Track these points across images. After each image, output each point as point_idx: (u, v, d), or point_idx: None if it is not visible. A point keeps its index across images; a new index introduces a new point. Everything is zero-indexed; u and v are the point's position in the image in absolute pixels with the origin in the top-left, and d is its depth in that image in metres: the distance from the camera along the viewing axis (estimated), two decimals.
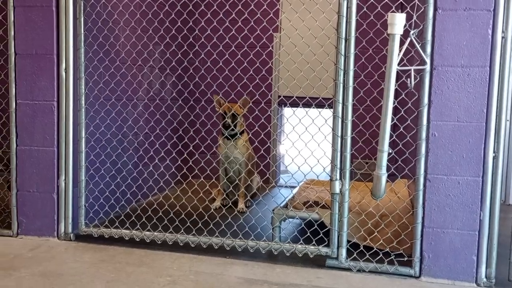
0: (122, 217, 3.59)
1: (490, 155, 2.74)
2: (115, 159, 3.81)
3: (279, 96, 5.26)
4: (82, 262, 3.10)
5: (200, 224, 3.41)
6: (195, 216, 3.48)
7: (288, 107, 5.43)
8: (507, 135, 3.29)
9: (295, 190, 4.00)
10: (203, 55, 3.66)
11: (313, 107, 3.33)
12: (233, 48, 3.56)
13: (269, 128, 3.65)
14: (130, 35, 3.96)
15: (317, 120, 3.25)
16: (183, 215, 3.50)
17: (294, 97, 3.56)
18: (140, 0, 3.77)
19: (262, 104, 3.99)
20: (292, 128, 3.40)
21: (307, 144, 3.26)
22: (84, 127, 3.45)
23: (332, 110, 3.02)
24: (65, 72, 3.37)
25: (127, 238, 3.37)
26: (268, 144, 3.68)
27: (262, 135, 3.65)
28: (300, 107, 3.46)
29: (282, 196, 3.81)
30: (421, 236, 2.87)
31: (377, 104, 2.97)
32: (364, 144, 3.31)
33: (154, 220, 3.48)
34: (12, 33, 3.40)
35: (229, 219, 3.44)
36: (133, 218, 3.55)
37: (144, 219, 3.53)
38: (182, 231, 3.35)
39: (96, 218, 3.61)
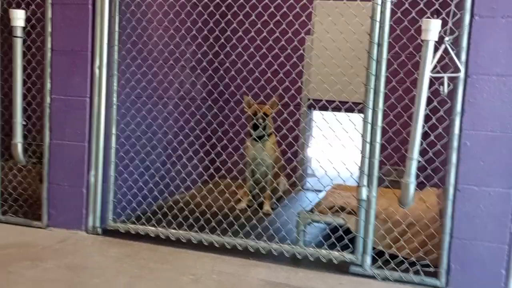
0: (149, 214, 3.63)
1: None
2: (144, 156, 3.85)
3: (309, 99, 5.24)
4: (107, 256, 3.14)
5: (224, 225, 3.42)
6: (220, 216, 3.49)
7: (317, 110, 5.40)
8: None
9: (321, 195, 3.97)
10: (234, 56, 3.67)
11: (343, 111, 3.30)
12: (264, 49, 3.56)
13: (297, 131, 3.62)
14: (162, 34, 4.01)
15: (346, 124, 3.22)
16: (208, 215, 3.51)
17: (324, 101, 3.54)
18: (173, 0, 3.80)
19: (291, 107, 3.98)
20: (321, 132, 3.38)
21: (335, 148, 3.23)
22: (115, 124, 3.50)
23: (361, 115, 2.99)
24: (99, 69, 3.43)
25: (152, 235, 3.41)
26: (296, 147, 3.66)
27: (290, 138, 3.63)
28: (330, 111, 3.44)
29: (308, 200, 3.79)
30: (449, 247, 2.82)
31: (408, 110, 2.92)
32: (393, 151, 3.26)
33: (180, 219, 3.51)
34: (49, 29, 3.48)
35: (254, 221, 3.44)
36: (159, 215, 3.59)
37: (169, 217, 3.56)
38: (206, 230, 3.36)
39: (123, 213, 3.66)
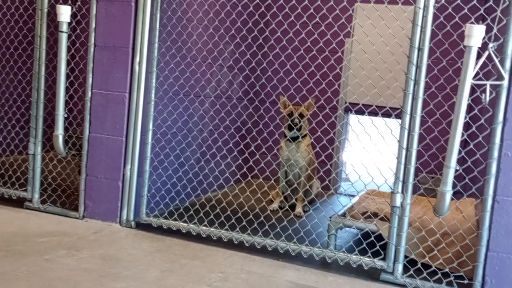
0: (181, 210, 3.67)
1: None
2: (179, 153, 3.90)
3: (346, 103, 5.19)
4: (139, 249, 3.20)
5: (255, 224, 3.43)
6: (251, 216, 3.50)
7: (353, 114, 5.35)
8: None
9: (354, 199, 3.93)
10: (271, 57, 3.67)
11: (379, 116, 3.26)
12: (301, 51, 3.55)
13: (332, 134, 3.60)
14: (202, 33, 4.05)
15: (383, 129, 3.17)
16: (239, 214, 3.53)
17: (360, 105, 3.51)
18: (214, 0, 3.84)
19: (327, 110, 3.96)
20: (356, 136, 3.34)
21: (370, 153, 3.19)
22: (152, 120, 3.56)
23: (399, 120, 2.94)
24: (138, 65, 3.50)
25: (184, 231, 3.44)
26: (330, 150, 3.64)
27: (325, 141, 3.61)
28: (366, 115, 3.40)
29: (341, 204, 3.76)
30: (485, 259, 2.73)
31: (447, 117, 2.86)
32: (430, 158, 3.20)
33: (211, 216, 3.54)
34: (93, 25, 3.57)
35: (285, 222, 3.43)
36: (191, 212, 3.62)
37: (201, 214, 3.59)
38: (237, 229, 3.38)
39: (156, 208, 3.72)
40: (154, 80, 3.54)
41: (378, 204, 3.57)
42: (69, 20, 3.61)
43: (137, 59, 3.49)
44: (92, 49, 3.59)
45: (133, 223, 3.58)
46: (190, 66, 3.99)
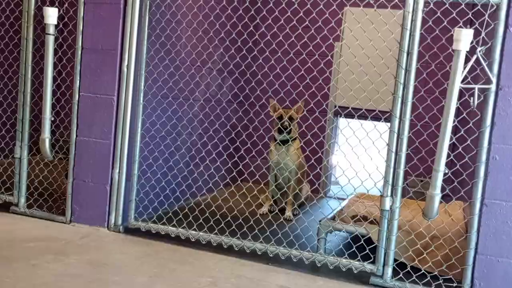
0: (170, 214, 3.64)
1: None
2: (168, 157, 3.88)
3: (335, 106, 5.19)
4: (128, 254, 3.16)
5: (245, 228, 3.41)
6: (241, 220, 3.49)
7: (343, 117, 5.35)
8: None
9: (344, 203, 3.93)
10: (261, 60, 3.67)
11: (369, 120, 3.26)
12: (291, 54, 3.55)
13: (321, 138, 3.60)
14: (191, 36, 4.03)
15: (372, 133, 3.17)
16: (229, 218, 3.51)
17: (350, 108, 3.51)
18: (203, 2, 3.83)
19: (317, 113, 3.96)
20: (346, 140, 3.34)
21: (359, 157, 3.19)
22: (140, 123, 3.53)
23: (388, 124, 2.95)
24: (127, 68, 3.47)
25: (173, 235, 3.42)
26: (320, 154, 3.64)
27: (314, 145, 3.61)
28: (356, 119, 3.40)
29: (330, 207, 3.75)
30: (473, 262, 2.75)
31: (436, 121, 2.87)
32: (419, 162, 3.21)
33: (201, 220, 3.52)
34: (81, 28, 3.54)
35: (275, 226, 3.42)
36: (181, 216, 3.60)
37: (191, 218, 3.57)
38: (227, 233, 3.36)
39: (145, 212, 3.69)
40: (142, 83, 3.51)
41: (368, 208, 3.57)
42: (56, 23, 3.57)
43: (126, 62, 3.47)
44: (79, 52, 3.55)
45: (121, 227, 3.54)
46: (179, 69, 3.97)
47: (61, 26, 3.68)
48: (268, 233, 3.38)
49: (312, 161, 3.64)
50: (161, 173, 3.83)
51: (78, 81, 3.57)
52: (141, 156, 3.59)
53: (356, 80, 3.35)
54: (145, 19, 3.44)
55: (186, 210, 3.67)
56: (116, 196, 3.54)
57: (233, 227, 3.41)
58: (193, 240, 3.37)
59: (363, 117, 3.42)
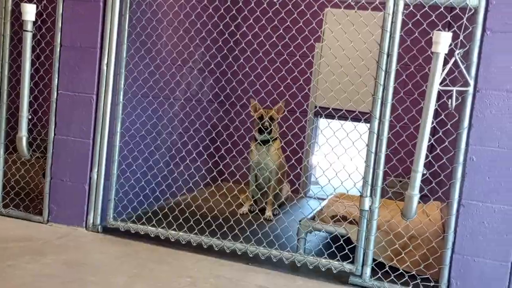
0: (150, 214, 3.62)
1: None
2: (148, 156, 3.85)
3: (315, 107, 5.22)
4: (106, 254, 3.13)
5: (225, 228, 3.40)
6: (221, 220, 3.48)
7: (323, 118, 5.38)
8: None
9: (323, 203, 3.95)
10: (242, 60, 3.66)
11: (349, 121, 3.29)
12: (272, 55, 3.56)
13: (302, 138, 3.61)
14: (172, 35, 4.01)
15: (352, 134, 3.20)
16: (209, 218, 3.50)
17: (330, 109, 3.54)
18: (184, 1, 3.80)
19: (297, 114, 3.97)
20: (326, 140, 3.36)
21: (339, 157, 3.21)
22: (120, 122, 3.50)
23: (368, 125, 2.97)
24: (107, 67, 3.43)
25: (152, 235, 3.39)
26: (300, 154, 3.65)
27: (295, 145, 3.62)
28: (336, 120, 3.42)
29: (310, 207, 3.77)
30: (450, 262, 2.79)
31: (415, 122, 2.90)
32: (398, 162, 3.25)
33: (180, 220, 3.50)
34: (60, 25, 3.48)
35: (255, 226, 3.42)
36: (160, 216, 3.57)
37: (170, 218, 3.54)
38: (207, 233, 3.35)
39: (124, 212, 3.65)
40: (122, 82, 3.48)
41: (347, 208, 3.60)
42: (34, 19, 3.51)
43: (105, 60, 3.43)
44: (58, 49, 3.50)
45: (99, 227, 3.50)
46: (159, 68, 3.95)
47: (39, 23, 3.62)
48: (248, 233, 3.38)
49: (293, 161, 3.65)
50: (141, 172, 3.80)
51: (56, 79, 3.52)
52: (120, 155, 3.55)
53: (337, 81, 3.37)
54: (126, 17, 3.40)
55: (166, 210, 3.65)
56: (95, 196, 3.50)
57: (213, 227, 3.40)
58: (172, 240, 3.35)
59: (343, 117, 3.44)
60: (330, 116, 3.76)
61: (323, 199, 4.20)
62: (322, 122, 5.57)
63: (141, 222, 3.53)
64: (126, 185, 3.65)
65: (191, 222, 3.47)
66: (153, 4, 3.66)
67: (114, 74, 3.45)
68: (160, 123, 4.04)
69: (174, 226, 3.43)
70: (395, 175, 3.93)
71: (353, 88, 3.28)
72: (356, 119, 3.44)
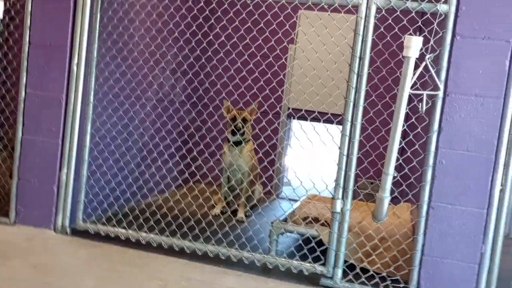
0: (120, 215, 3.56)
1: (497, 187, 2.70)
2: (118, 157, 3.79)
3: (288, 108, 5.23)
4: (75, 257, 3.07)
5: (197, 230, 3.37)
6: (192, 222, 3.45)
7: (296, 120, 5.39)
8: None
9: (295, 205, 3.96)
10: (215, 61, 3.64)
11: (321, 123, 3.30)
12: (245, 56, 3.55)
13: (275, 140, 3.61)
14: (144, 35, 3.96)
15: (324, 136, 3.21)
16: (180, 219, 3.46)
17: (303, 111, 3.55)
18: (157, 1, 3.76)
19: (270, 115, 3.97)
20: (298, 142, 3.37)
21: (312, 159, 3.23)
22: (90, 122, 3.44)
23: (340, 127, 2.99)
24: (77, 66, 3.37)
25: (123, 238, 3.34)
26: (273, 155, 3.65)
27: (268, 146, 3.62)
28: (309, 121, 3.43)
29: (282, 209, 3.77)
30: (420, 263, 2.82)
31: (387, 125, 2.94)
32: (369, 165, 3.28)
33: (152, 222, 3.45)
34: (28, 22, 3.40)
35: (227, 228, 3.40)
36: (131, 218, 3.52)
37: (141, 220, 3.49)
38: (178, 235, 3.32)
39: (93, 214, 3.59)
40: (93, 82, 3.42)
41: (319, 210, 3.61)
42: (1, 17, 3.43)
43: (75, 60, 3.36)
44: (26, 48, 3.42)
45: (68, 229, 3.43)
46: (131, 68, 3.89)
47: (7, 20, 3.53)
48: (220, 235, 3.36)
49: (265, 163, 3.64)
50: (111, 173, 3.73)
51: (24, 78, 3.44)
52: (90, 156, 3.49)
53: (310, 83, 3.38)
54: (97, 16, 3.34)
55: (137, 211, 3.60)
56: (64, 197, 3.43)
57: (185, 228, 3.37)
58: (143, 242, 3.30)
59: (316, 119, 3.45)
60: (303, 118, 3.78)
61: (296, 201, 4.21)
62: (296, 123, 5.59)
63: (111, 224, 3.48)
64: (96, 186, 3.59)
65: (162, 224, 3.42)
66: (125, 4, 3.61)
67: (85, 74, 3.39)
68: (132, 124, 3.99)
69: (145, 228, 3.39)
70: (367, 177, 3.96)
71: (326, 90, 3.29)
72: (328, 121, 3.46)
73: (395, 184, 2.84)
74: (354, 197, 3.03)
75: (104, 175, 3.67)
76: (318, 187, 3.30)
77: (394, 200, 3.21)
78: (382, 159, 2.80)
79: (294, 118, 5.40)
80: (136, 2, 3.74)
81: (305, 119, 3.47)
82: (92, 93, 3.42)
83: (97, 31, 3.35)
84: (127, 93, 3.89)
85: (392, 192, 2.80)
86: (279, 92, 3.90)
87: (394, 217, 3.71)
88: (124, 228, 3.39)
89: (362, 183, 4.29)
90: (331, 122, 3.47)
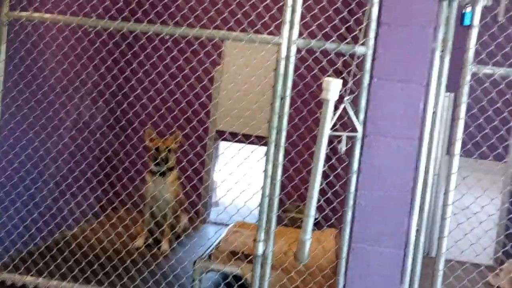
0: (25, 254, 3.27)
1: (413, 228, 2.76)
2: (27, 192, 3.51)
3: (214, 130, 5.15)
4: None
5: (120, 270, 3.19)
6: (111, 255, 3.22)
7: (222, 141, 5.32)
8: (431, 210, 3.36)
9: (222, 235, 3.87)
10: (134, 81, 3.54)
11: (247, 144, 3.28)
12: (167, 76, 3.46)
13: (200, 162, 3.50)
14: (62, 61, 3.73)
15: (252, 157, 3.15)
16: (93, 256, 3.25)
17: (227, 133, 3.52)
18: (77, 26, 3.53)
19: (193, 138, 3.89)
20: (224, 164, 3.30)
21: (237, 182, 3.17)
22: None
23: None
24: None
25: (18, 286, 3.09)
26: (197, 179, 3.55)
27: (192, 170, 3.48)
28: (235, 143, 3.40)
29: (208, 240, 3.67)
30: None
31: (311, 148, 2.91)
32: (293, 189, 3.29)
33: (59, 260, 3.20)
34: None
35: (153, 267, 3.21)
36: (35, 258, 3.25)
37: (48, 258, 3.22)
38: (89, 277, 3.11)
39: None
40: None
41: (245, 238, 3.55)
42: None
43: None
44: None
45: None
46: (48, 96, 3.66)
47: None
48: (143, 270, 3.19)
49: (189, 186, 3.54)
50: (14, 208, 3.44)
51: None
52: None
53: (234, 105, 3.35)
54: (3, 47, 3.09)
55: (43, 249, 3.34)
56: None
57: (98, 269, 3.17)
58: None
59: (242, 141, 3.42)
60: (229, 139, 3.74)
61: (222, 224, 4.12)
62: (223, 144, 5.51)
63: (7, 270, 3.19)
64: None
65: (72, 262, 3.17)
66: (40, 27, 3.37)
67: None
68: (39, 153, 3.73)
69: (51, 269, 3.14)
70: (291, 201, 3.95)
71: (250, 112, 3.26)
72: (255, 143, 3.45)
73: (319, 208, 2.82)
74: (279, 223, 2.98)
75: (5, 210, 3.40)
76: (243, 213, 3.23)
77: (317, 225, 3.21)
78: (306, 183, 2.75)
79: (221, 140, 5.32)
80: (53, 26, 3.47)
81: (231, 140, 3.45)
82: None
83: (2, 63, 3.10)
84: (42, 123, 3.65)
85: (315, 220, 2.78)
86: (203, 114, 3.84)
87: (317, 243, 3.71)
88: (21, 274, 3.15)
89: (287, 206, 4.29)
90: (256, 144, 3.45)
